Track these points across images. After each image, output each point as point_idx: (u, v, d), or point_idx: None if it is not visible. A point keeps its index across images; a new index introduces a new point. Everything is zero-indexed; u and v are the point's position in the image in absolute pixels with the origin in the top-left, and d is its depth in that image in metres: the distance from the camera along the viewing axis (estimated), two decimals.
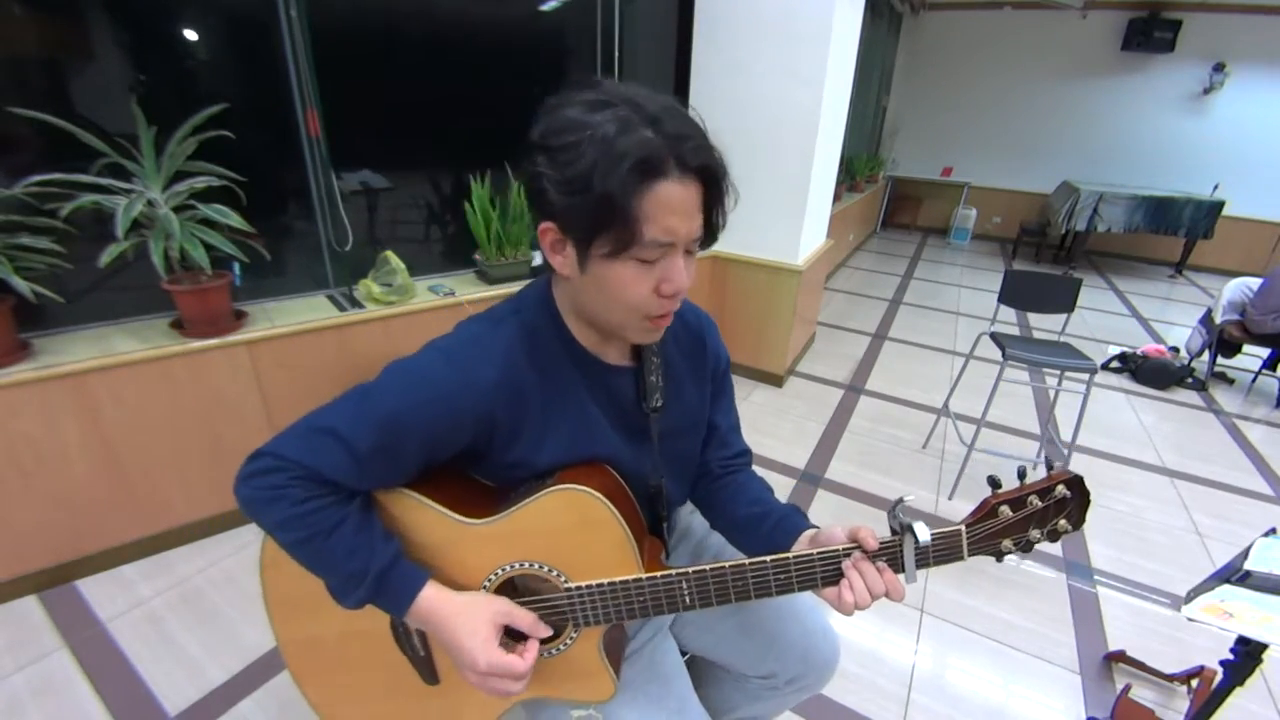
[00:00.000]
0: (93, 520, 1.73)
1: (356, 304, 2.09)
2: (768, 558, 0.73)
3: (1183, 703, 1.57)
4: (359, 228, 2.19)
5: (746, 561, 0.74)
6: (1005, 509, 0.72)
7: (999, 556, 0.74)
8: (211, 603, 1.72)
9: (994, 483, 0.74)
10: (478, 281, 2.48)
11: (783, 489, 2.38)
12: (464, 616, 0.71)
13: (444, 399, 0.69)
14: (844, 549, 0.73)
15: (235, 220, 1.70)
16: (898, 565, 0.73)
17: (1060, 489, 0.71)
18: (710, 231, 0.71)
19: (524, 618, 0.74)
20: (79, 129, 1.50)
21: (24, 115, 1.46)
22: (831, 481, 2.46)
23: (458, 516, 0.75)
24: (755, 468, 1.01)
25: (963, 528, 0.72)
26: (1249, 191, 6.17)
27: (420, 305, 2.18)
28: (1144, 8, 6.12)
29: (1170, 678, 1.60)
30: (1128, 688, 1.57)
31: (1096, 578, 2.02)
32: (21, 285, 1.47)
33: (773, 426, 2.85)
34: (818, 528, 0.81)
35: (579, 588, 0.76)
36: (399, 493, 0.75)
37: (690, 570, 0.74)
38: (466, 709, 0.87)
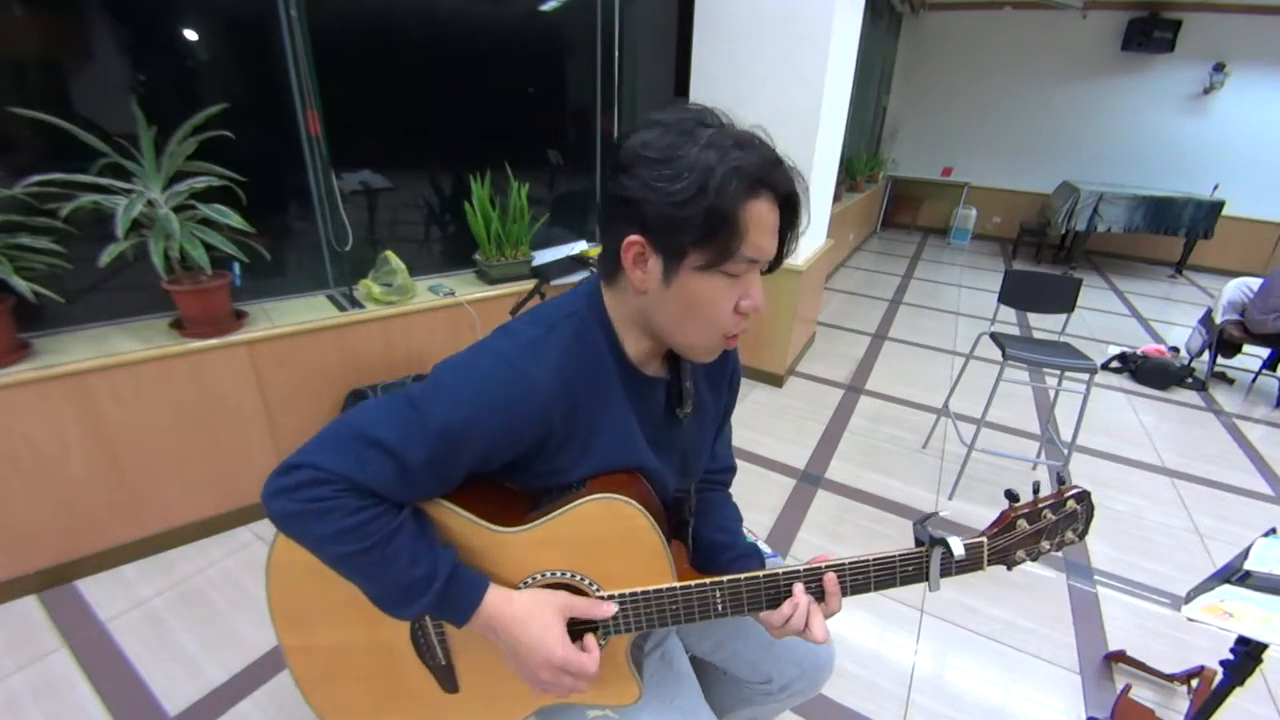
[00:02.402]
0: (93, 520, 1.73)
1: (356, 304, 2.09)
2: (800, 567, 0.77)
3: (1183, 703, 1.57)
4: (359, 228, 2.19)
5: (779, 572, 0.76)
6: (1023, 522, 0.77)
7: (1010, 565, 0.79)
8: (211, 603, 1.72)
9: (1011, 496, 0.78)
10: (478, 281, 2.48)
11: (783, 489, 2.38)
12: (534, 613, 0.70)
13: (505, 407, 0.66)
14: (872, 560, 0.76)
15: (235, 220, 1.70)
16: (921, 574, 0.76)
17: (1071, 503, 0.77)
18: (779, 257, 0.72)
19: (584, 605, 0.73)
20: (79, 129, 1.50)
21: (24, 115, 1.46)
22: (831, 481, 2.45)
23: (489, 525, 0.74)
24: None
25: (985, 540, 0.77)
26: (1249, 191, 6.17)
27: (420, 305, 2.18)
28: (1144, 8, 6.12)
29: (1170, 678, 1.60)
30: (1128, 688, 1.57)
31: (1097, 578, 2.02)
32: (21, 285, 1.46)
33: (773, 426, 2.85)
34: None
35: (615, 596, 0.75)
36: (432, 501, 0.74)
37: (725, 579, 0.75)
38: (480, 718, 0.86)
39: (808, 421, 2.93)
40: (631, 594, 0.75)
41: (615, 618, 0.75)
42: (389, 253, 2.16)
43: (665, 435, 0.84)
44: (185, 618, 1.66)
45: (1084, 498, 0.77)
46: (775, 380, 3.25)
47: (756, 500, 2.26)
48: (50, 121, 1.47)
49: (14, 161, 1.54)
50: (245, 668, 1.53)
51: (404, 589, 0.66)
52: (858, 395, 3.25)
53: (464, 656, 0.82)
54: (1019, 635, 1.77)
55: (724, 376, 0.93)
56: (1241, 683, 1.12)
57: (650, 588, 0.75)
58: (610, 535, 0.74)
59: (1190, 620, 1.03)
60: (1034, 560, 0.78)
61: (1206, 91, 6.20)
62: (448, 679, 0.83)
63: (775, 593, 0.76)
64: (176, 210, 1.63)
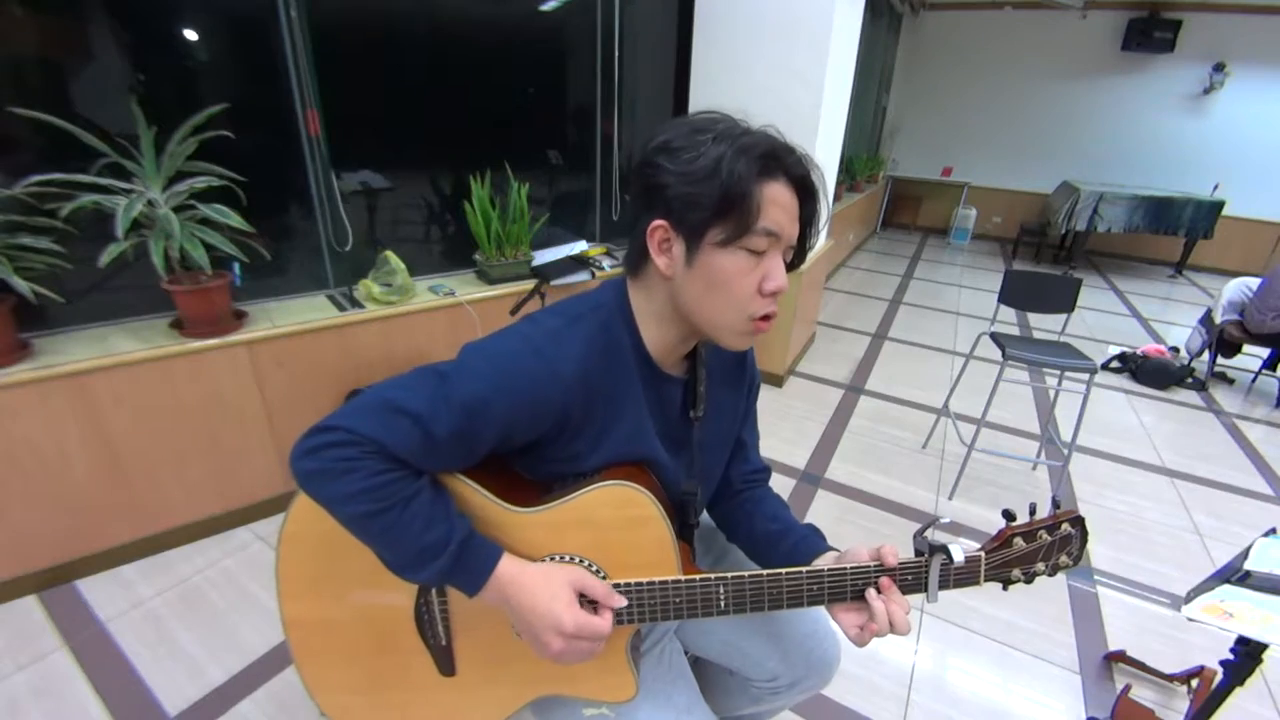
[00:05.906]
0: (93, 520, 1.73)
1: (356, 304, 2.09)
2: (803, 569, 0.77)
3: (1183, 703, 1.57)
4: (359, 228, 2.19)
5: (783, 572, 0.76)
6: (1019, 540, 0.78)
7: (1006, 584, 0.80)
8: (211, 603, 1.72)
9: (1008, 516, 0.79)
10: (478, 281, 2.48)
11: (783, 489, 2.38)
12: (546, 581, 0.72)
13: (529, 388, 0.70)
14: (875, 567, 0.76)
15: (235, 220, 1.70)
16: (920, 585, 0.77)
17: (1065, 526, 0.78)
18: (801, 248, 0.76)
19: (598, 585, 0.74)
20: (79, 129, 1.50)
21: (24, 115, 1.46)
22: (831, 481, 2.46)
23: (505, 504, 0.76)
24: None
25: (983, 554, 0.77)
26: (1249, 191, 6.17)
27: (420, 305, 2.18)
28: (1144, 8, 6.12)
29: (1170, 678, 1.60)
30: (1128, 688, 1.57)
31: (1096, 578, 2.02)
32: (21, 285, 1.47)
33: (773, 426, 2.85)
34: (837, 550, 0.84)
35: (621, 586, 0.76)
36: (450, 475, 0.75)
37: (730, 576, 0.76)
38: (475, 705, 0.86)
39: (808, 421, 2.93)
40: (638, 584, 0.76)
41: (626, 607, 0.76)
42: (389, 253, 2.16)
43: (677, 433, 0.86)
44: (185, 618, 1.66)
45: (1079, 522, 0.78)
46: (775, 380, 3.25)
47: None
48: (50, 121, 1.47)
49: (14, 161, 1.54)
50: (245, 668, 1.53)
51: (419, 551, 0.68)
52: (858, 395, 3.25)
53: (465, 637, 0.83)
54: (1019, 635, 1.77)
55: (742, 382, 0.94)
56: (1241, 683, 1.12)
57: (656, 579, 0.76)
58: (619, 522, 0.76)
59: (1190, 620, 1.03)
60: (1029, 581, 0.79)
61: (1206, 91, 6.20)
62: (445, 660, 0.83)
63: (778, 593, 0.76)
64: (176, 210, 1.63)
